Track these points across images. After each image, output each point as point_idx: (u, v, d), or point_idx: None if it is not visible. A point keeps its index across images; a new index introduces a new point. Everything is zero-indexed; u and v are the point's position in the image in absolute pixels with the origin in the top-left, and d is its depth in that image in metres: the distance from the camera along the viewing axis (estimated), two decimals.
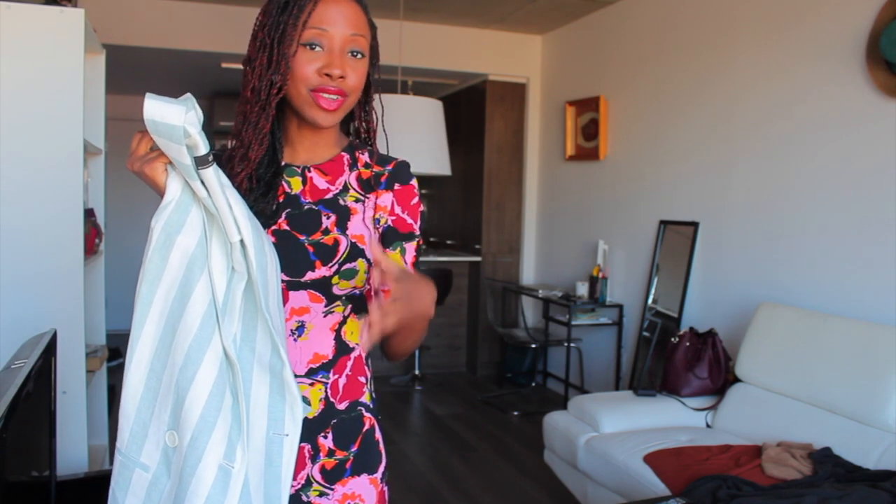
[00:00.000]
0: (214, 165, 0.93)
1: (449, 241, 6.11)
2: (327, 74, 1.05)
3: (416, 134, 3.95)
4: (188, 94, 0.92)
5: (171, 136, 0.89)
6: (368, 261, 1.12)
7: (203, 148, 0.92)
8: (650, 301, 4.06)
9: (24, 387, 1.26)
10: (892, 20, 2.69)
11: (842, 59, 2.94)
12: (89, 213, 2.70)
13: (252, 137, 1.08)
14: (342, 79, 1.06)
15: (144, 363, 0.98)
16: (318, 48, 1.05)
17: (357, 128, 1.21)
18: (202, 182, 0.93)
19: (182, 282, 0.96)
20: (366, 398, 1.16)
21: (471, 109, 5.67)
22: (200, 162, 0.92)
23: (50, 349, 1.57)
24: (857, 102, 2.88)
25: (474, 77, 5.53)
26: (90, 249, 2.55)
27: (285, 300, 1.09)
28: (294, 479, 1.10)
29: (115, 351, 3.45)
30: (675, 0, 3.97)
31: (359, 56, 1.08)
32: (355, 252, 1.10)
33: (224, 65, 5.03)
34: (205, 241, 0.96)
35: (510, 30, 5.30)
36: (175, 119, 0.88)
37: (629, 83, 4.38)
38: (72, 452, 2.26)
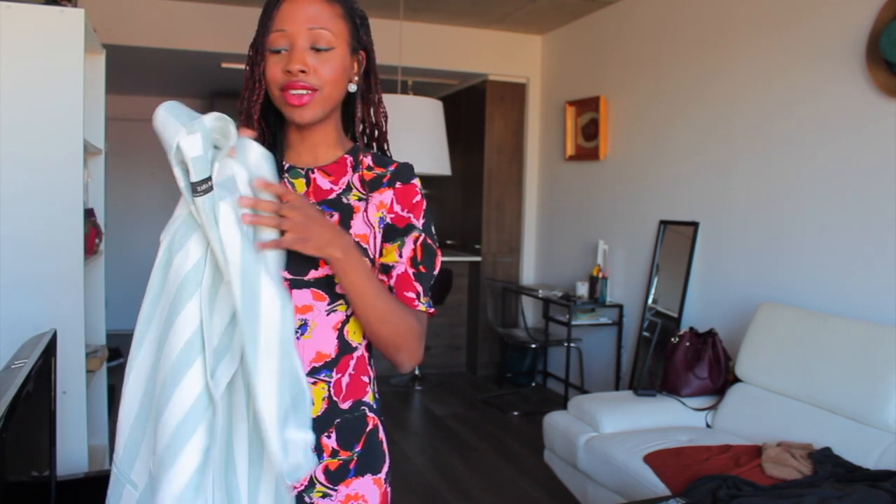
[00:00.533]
0: (211, 196, 0.88)
1: (449, 241, 6.10)
2: (288, 71, 1.07)
3: (416, 134, 3.95)
4: (214, 115, 0.87)
5: (168, 149, 0.86)
6: (371, 260, 1.13)
7: (194, 175, 0.86)
8: (650, 301, 4.06)
9: (24, 387, 1.26)
10: (892, 20, 2.69)
11: (842, 59, 2.94)
12: (89, 213, 2.70)
13: None
14: (303, 73, 1.07)
15: (141, 381, 0.96)
16: (283, 50, 1.08)
17: (363, 129, 1.20)
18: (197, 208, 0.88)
19: (171, 304, 0.91)
20: (369, 398, 1.16)
21: (471, 109, 5.67)
22: (193, 188, 0.87)
23: (50, 349, 1.57)
24: (857, 102, 2.87)
25: (474, 77, 5.53)
26: (90, 249, 2.55)
27: None
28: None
29: (115, 351, 3.45)
30: (675, 0, 3.97)
31: (325, 50, 1.08)
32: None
33: (224, 65, 5.03)
34: (203, 264, 0.92)
35: (510, 30, 5.30)
36: (169, 136, 0.84)
37: (629, 83, 4.37)
38: (72, 452, 2.26)
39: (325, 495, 1.11)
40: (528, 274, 5.56)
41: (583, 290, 4.48)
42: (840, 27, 2.95)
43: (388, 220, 1.14)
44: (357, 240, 1.11)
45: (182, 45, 4.64)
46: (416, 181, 1.16)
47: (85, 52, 2.29)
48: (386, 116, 1.22)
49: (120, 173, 5.97)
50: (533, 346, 4.84)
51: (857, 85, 2.88)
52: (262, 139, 1.13)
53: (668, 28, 4.03)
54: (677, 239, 3.90)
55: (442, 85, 5.90)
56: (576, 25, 5.00)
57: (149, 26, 4.54)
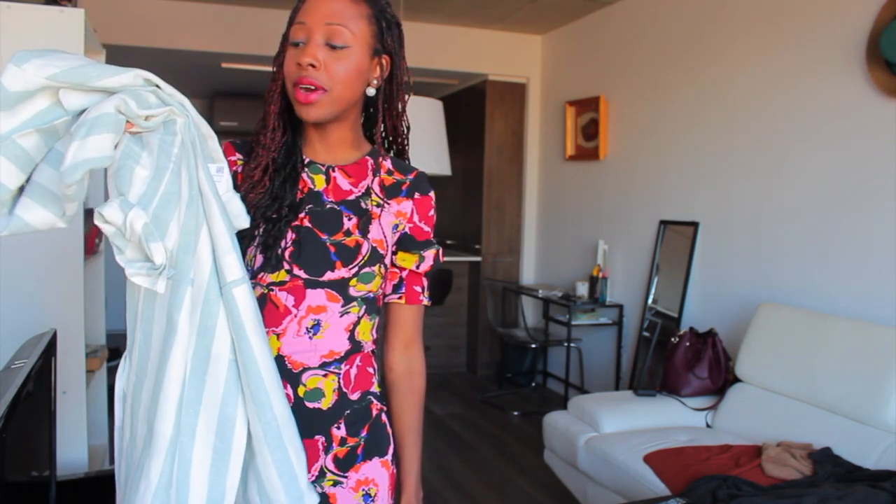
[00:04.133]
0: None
1: (449, 241, 6.10)
2: (298, 64, 1.06)
3: (416, 134, 3.93)
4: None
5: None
6: (385, 266, 1.15)
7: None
8: (650, 301, 4.06)
9: (24, 387, 1.26)
10: (892, 20, 2.69)
11: (842, 59, 2.94)
12: (89, 213, 2.70)
13: (264, 131, 1.12)
14: (313, 67, 1.05)
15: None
16: (301, 44, 1.08)
17: (384, 133, 1.21)
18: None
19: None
20: (375, 388, 1.20)
21: (471, 109, 5.67)
22: None
23: (50, 349, 1.57)
24: (857, 102, 2.87)
25: (474, 77, 5.52)
26: (90, 249, 2.55)
27: (302, 298, 1.09)
28: (308, 471, 1.11)
29: (115, 351, 3.44)
30: (675, 0, 3.97)
31: (340, 48, 1.07)
32: (375, 257, 1.12)
33: (224, 65, 5.02)
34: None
35: (510, 30, 5.30)
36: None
37: (629, 83, 4.37)
38: (72, 452, 2.26)
39: (335, 483, 1.13)
40: (528, 274, 5.56)
41: (583, 290, 4.48)
42: (840, 27, 2.95)
43: (407, 229, 1.17)
44: (375, 245, 1.13)
45: (182, 45, 4.64)
46: (433, 192, 1.21)
47: (85, 53, 2.29)
48: (409, 126, 1.22)
49: None
50: (533, 346, 4.84)
51: (857, 85, 2.88)
52: (283, 133, 1.14)
53: (668, 28, 4.03)
54: (677, 239, 3.91)
55: (442, 85, 5.89)
56: (576, 25, 5.00)
57: (149, 26, 4.53)
